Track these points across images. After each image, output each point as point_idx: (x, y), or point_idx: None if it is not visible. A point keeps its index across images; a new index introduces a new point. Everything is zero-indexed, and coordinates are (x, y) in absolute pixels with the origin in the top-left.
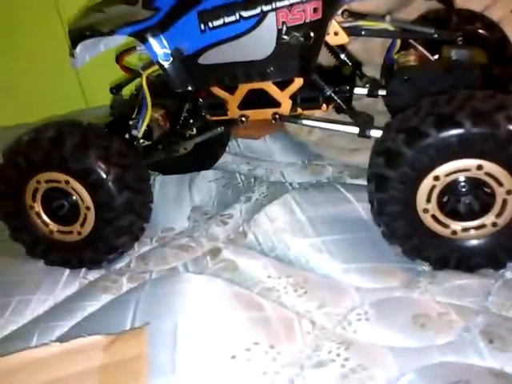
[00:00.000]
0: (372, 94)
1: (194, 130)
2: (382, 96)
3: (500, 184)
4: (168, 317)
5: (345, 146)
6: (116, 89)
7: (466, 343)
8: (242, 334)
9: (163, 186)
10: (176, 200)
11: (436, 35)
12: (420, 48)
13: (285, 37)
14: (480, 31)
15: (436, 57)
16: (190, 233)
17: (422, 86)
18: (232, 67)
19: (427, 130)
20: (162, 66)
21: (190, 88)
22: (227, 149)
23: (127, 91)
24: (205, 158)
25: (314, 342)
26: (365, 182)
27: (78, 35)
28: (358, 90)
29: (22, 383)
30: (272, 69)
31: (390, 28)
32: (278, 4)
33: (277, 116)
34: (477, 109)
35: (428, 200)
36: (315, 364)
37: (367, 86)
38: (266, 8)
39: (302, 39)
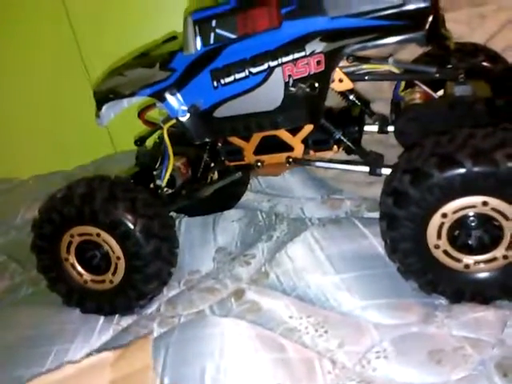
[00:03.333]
0: (382, 130)
1: (215, 174)
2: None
3: (507, 218)
4: (196, 362)
5: (361, 180)
6: (140, 141)
7: (481, 377)
8: (265, 376)
9: (188, 228)
10: (201, 242)
11: (438, 74)
12: (423, 86)
13: (292, 89)
14: (483, 64)
15: (441, 92)
16: (215, 275)
17: (428, 123)
18: (245, 119)
19: (430, 171)
20: (180, 122)
21: (207, 139)
22: (249, 186)
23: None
24: (227, 198)
25: (335, 382)
26: None
27: (102, 98)
28: (368, 128)
29: None
30: (282, 118)
31: (394, 70)
32: (284, 59)
33: (290, 159)
34: (477, 148)
35: (438, 236)
36: None
37: (377, 123)
38: (272, 64)
39: (308, 90)
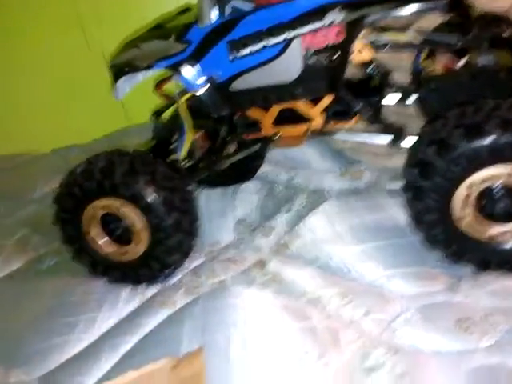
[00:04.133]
0: (402, 101)
1: (232, 146)
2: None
3: None
4: (221, 331)
5: (381, 151)
6: (156, 114)
7: (510, 345)
8: (292, 345)
9: (208, 200)
10: (221, 214)
11: (460, 44)
12: (445, 55)
13: (310, 60)
14: (505, 33)
15: (463, 61)
16: (235, 246)
17: (450, 93)
18: (263, 91)
19: (457, 141)
20: (196, 95)
21: (224, 113)
22: (266, 158)
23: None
24: (245, 170)
25: (362, 350)
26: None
27: (118, 71)
28: (388, 98)
29: None
30: (301, 89)
31: (415, 40)
32: (301, 31)
33: (309, 131)
34: (503, 118)
35: (463, 207)
36: (365, 371)
37: (397, 93)
38: (289, 35)
39: (327, 61)
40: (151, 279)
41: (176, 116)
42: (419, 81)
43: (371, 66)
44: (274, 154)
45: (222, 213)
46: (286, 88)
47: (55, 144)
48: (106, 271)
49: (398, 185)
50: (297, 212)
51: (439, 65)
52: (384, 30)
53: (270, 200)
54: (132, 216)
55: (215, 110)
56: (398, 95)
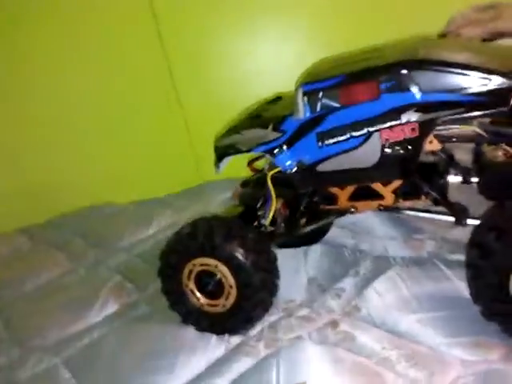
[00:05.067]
0: (466, 181)
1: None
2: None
3: None
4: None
5: (441, 221)
6: (245, 183)
7: None
8: None
9: (281, 259)
10: (294, 273)
11: None
12: (507, 147)
13: (387, 150)
14: None
15: None
16: (309, 304)
17: (510, 181)
18: (344, 173)
19: None
20: (288, 174)
21: (310, 189)
22: (336, 224)
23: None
24: (316, 233)
25: None
26: (463, 258)
27: (222, 152)
28: (453, 179)
29: None
30: (377, 174)
31: (479, 131)
32: (381, 126)
33: (381, 207)
34: None
35: None
36: None
37: (461, 175)
38: (371, 129)
39: (402, 152)
40: (235, 330)
41: (261, 186)
42: (481, 165)
43: (438, 153)
44: (340, 218)
45: (295, 272)
46: (364, 172)
47: (134, 196)
48: (197, 321)
49: (459, 257)
50: (364, 276)
51: (500, 152)
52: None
53: (339, 263)
54: (225, 273)
55: (302, 186)
56: (461, 177)
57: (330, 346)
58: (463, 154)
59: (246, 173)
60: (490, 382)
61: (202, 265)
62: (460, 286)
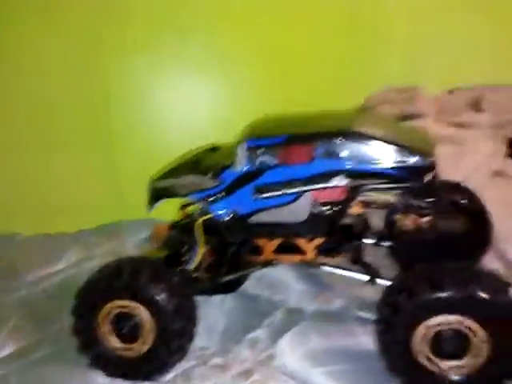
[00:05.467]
0: (378, 244)
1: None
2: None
3: (475, 335)
4: None
5: (352, 279)
6: (173, 227)
7: None
8: None
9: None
10: (208, 321)
11: (429, 210)
12: (415, 216)
13: (316, 208)
14: (462, 201)
15: (427, 220)
16: (223, 353)
17: (417, 247)
18: (274, 226)
19: (422, 291)
20: (221, 223)
21: (240, 239)
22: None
23: None
24: (233, 282)
25: None
26: (369, 316)
27: (158, 194)
28: (367, 241)
29: None
30: (304, 229)
31: (394, 201)
32: (313, 187)
33: (303, 261)
34: (458, 279)
35: (421, 343)
36: None
37: (374, 238)
38: (303, 188)
39: (329, 212)
40: (149, 377)
41: (189, 231)
42: (392, 231)
43: (357, 217)
44: (256, 275)
45: (210, 320)
46: (293, 227)
47: (43, 229)
48: (108, 366)
49: (364, 314)
50: (278, 327)
51: (409, 221)
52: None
53: (254, 313)
54: (145, 317)
55: (232, 235)
56: (374, 240)
57: None
58: (377, 221)
59: (166, 215)
60: None
61: (122, 307)
62: (365, 341)
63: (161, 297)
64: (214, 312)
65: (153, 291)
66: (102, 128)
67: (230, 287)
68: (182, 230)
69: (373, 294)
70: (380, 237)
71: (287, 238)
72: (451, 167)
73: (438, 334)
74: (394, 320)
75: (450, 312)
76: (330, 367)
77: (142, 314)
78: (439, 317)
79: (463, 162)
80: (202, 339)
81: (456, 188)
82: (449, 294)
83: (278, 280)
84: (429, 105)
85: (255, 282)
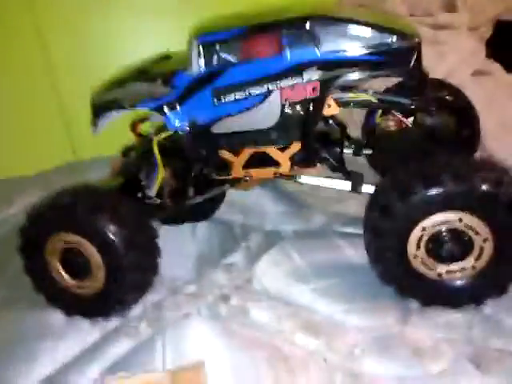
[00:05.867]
0: (357, 153)
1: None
2: (365, 154)
3: (477, 233)
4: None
5: (331, 196)
6: (127, 152)
7: (458, 370)
8: (262, 374)
9: (166, 236)
10: (180, 250)
11: (412, 106)
12: (398, 115)
13: (287, 110)
14: (448, 97)
15: (411, 119)
16: (197, 282)
17: (401, 150)
18: (241, 135)
19: (416, 189)
20: (178, 135)
21: (202, 153)
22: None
23: None
24: (204, 209)
25: (326, 374)
26: (353, 230)
27: (101, 109)
28: (345, 150)
29: None
30: (276, 136)
31: (373, 99)
32: (282, 84)
33: (277, 175)
34: (457, 171)
35: (417, 247)
36: None
37: (352, 146)
38: (271, 87)
39: (302, 112)
40: (108, 314)
41: (145, 154)
42: (374, 136)
43: (331, 121)
44: (228, 196)
45: (181, 250)
46: (263, 133)
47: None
48: (65, 304)
49: (348, 229)
50: (256, 249)
51: (392, 122)
52: (348, 89)
53: (228, 238)
54: (91, 253)
55: (193, 150)
56: (354, 147)
57: (222, 321)
58: (353, 129)
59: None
60: (389, 346)
61: (65, 242)
62: (352, 255)
63: (104, 228)
64: (185, 240)
65: (93, 222)
66: (44, 68)
67: (201, 214)
68: (137, 153)
69: (355, 209)
70: (359, 145)
71: (257, 149)
72: (432, 67)
73: (435, 235)
74: (386, 224)
75: (449, 209)
76: (314, 284)
77: (88, 249)
78: (436, 215)
79: (444, 61)
80: (173, 269)
81: (440, 84)
82: (446, 189)
83: (252, 204)
84: (400, 3)
85: (227, 209)
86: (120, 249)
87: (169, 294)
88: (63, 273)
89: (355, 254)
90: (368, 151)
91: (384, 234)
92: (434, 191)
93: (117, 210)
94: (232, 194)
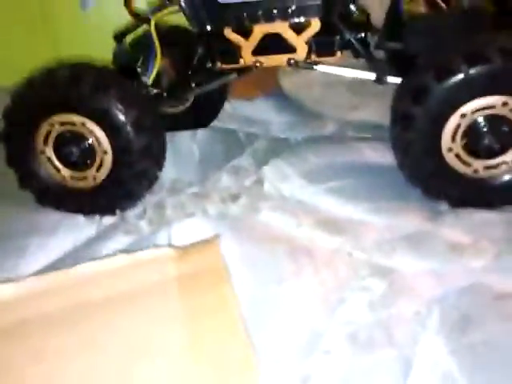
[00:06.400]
0: (380, 45)
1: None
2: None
3: None
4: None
5: (344, 104)
6: (120, 37)
7: (502, 265)
8: (288, 264)
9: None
10: (179, 154)
11: None
12: None
13: None
14: None
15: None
16: (201, 183)
17: (437, 34)
18: (251, 6)
19: (458, 67)
20: (181, 6)
21: (208, 28)
22: (223, 112)
23: None
24: (202, 115)
25: (353, 270)
26: (365, 135)
27: None
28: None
29: (93, 293)
30: (293, 8)
31: None
32: None
33: (292, 61)
34: (504, 46)
35: (453, 139)
36: (359, 289)
37: (375, 37)
38: None
39: None
40: (109, 209)
41: (141, 40)
42: (401, 23)
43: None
44: (229, 107)
45: (182, 153)
46: (277, 4)
47: None
48: (58, 200)
49: (365, 135)
50: (263, 153)
51: (422, 7)
52: None
53: (233, 144)
54: (97, 136)
55: (198, 23)
56: (377, 38)
57: (232, 220)
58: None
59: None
60: (419, 241)
61: (63, 124)
62: (371, 155)
63: (114, 107)
64: (185, 144)
65: (103, 100)
66: None
67: (201, 119)
68: (132, 39)
69: (371, 116)
70: (382, 36)
71: (270, 27)
72: None
73: (472, 125)
74: (418, 111)
75: (494, 92)
76: (330, 183)
77: (94, 131)
78: (477, 100)
79: None
80: (173, 171)
81: None
82: (493, 67)
83: (255, 114)
84: None
85: (227, 119)
86: (131, 130)
87: (169, 194)
88: (58, 162)
89: (376, 155)
90: (393, 44)
91: (416, 123)
92: (478, 70)
93: (124, 87)
94: (232, 104)
